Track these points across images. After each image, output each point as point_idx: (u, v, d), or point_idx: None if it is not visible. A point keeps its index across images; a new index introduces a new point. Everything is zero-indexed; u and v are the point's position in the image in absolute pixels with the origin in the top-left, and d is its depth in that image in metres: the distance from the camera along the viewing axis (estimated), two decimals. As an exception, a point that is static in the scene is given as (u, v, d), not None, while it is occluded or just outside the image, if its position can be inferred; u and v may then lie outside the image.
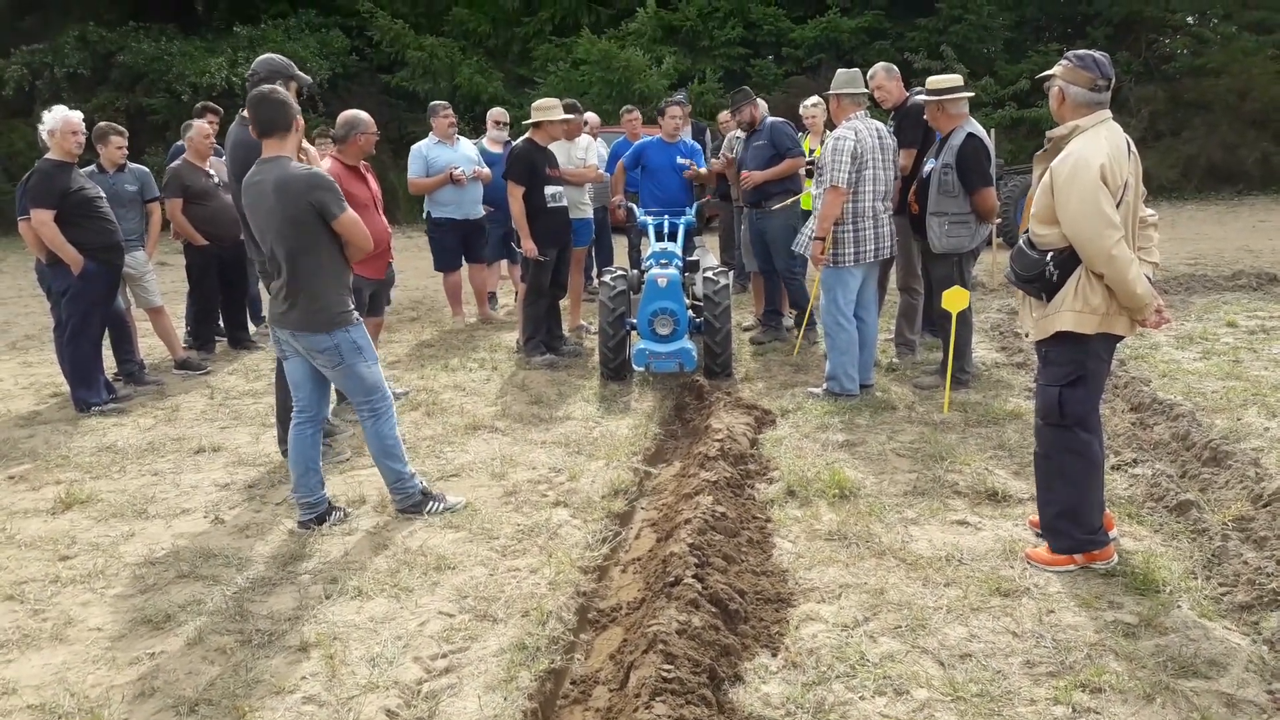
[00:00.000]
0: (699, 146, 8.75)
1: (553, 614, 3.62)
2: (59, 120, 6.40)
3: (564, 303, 9.20)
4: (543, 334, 7.74)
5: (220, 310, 8.47)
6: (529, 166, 7.31)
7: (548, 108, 7.40)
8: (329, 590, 3.90)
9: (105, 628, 3.68)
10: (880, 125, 6.39)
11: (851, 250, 6.23)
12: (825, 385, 6.42)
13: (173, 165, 7.98)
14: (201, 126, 8.01)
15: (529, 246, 7.31)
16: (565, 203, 7.57)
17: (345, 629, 3.58)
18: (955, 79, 6.32)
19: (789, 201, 7.75)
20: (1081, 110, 3.68)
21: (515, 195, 7.30)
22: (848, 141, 6.06)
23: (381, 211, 6.10)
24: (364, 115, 6.05)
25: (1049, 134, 3.78)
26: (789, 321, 8.39)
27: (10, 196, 14.43)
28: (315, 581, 3.99)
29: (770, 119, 8.00)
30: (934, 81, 6.29)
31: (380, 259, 6.13)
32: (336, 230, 4.36)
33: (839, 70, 6.46)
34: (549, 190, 7.38)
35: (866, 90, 6.36)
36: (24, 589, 3.99)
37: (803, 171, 7.91)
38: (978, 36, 20.51)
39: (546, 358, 7.64)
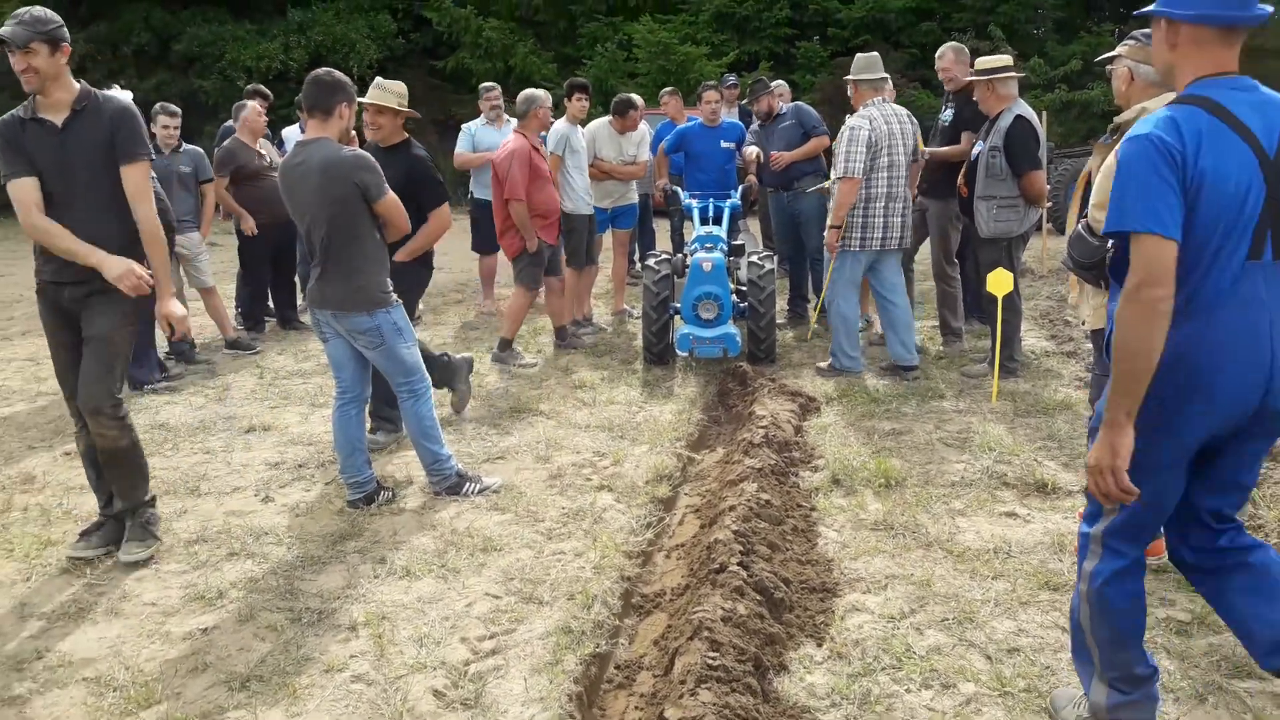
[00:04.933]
0: (743, 127, 8.71)
1: (598, 598, 3.64)
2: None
3: (607, 286, 9.22)
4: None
5: (270, 291, 8.57)
6: None
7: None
8: (377, 570, 3.95)
9: (159, 603, 3.75)
10: (901, 110, 6.50)
11: (859, 235, 6.37)
12: (829, 361, 6.65)
13: (225, 143, 8.06)
14: (255, 106, 8.09)
15: None
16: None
17: (394, 609, 3.62)
18: (1005, 59, 6.23)
19: (825, 185, 7.73)
20: (1150, 91, 3.60)
21: None
22: (862, 131, 6.18)
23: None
24: (541, 91, 7.10)
25: (1116, 120, 3.70)
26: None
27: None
28: (364, 561, 4.04)
29: (794, 102, 8.32)
30: (983, 62, 6.21)
31: (556, 225, 7.20)
32: (378, 212, 4.41)
33: (858, 55, 6.56)
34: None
35: (884, 76, 6.53)
36: (80, 563, 4.08)
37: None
38: (1026, 16, 20.17)
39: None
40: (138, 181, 3.95)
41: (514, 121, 9.00)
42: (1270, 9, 2.53)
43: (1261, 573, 2.65)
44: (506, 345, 7.26)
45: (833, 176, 6.57)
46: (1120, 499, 2.47)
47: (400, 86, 5.35)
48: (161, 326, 4.05)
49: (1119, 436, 2.44)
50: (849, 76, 6.51)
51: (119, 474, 4.10)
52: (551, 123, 7.36)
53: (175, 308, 4.02)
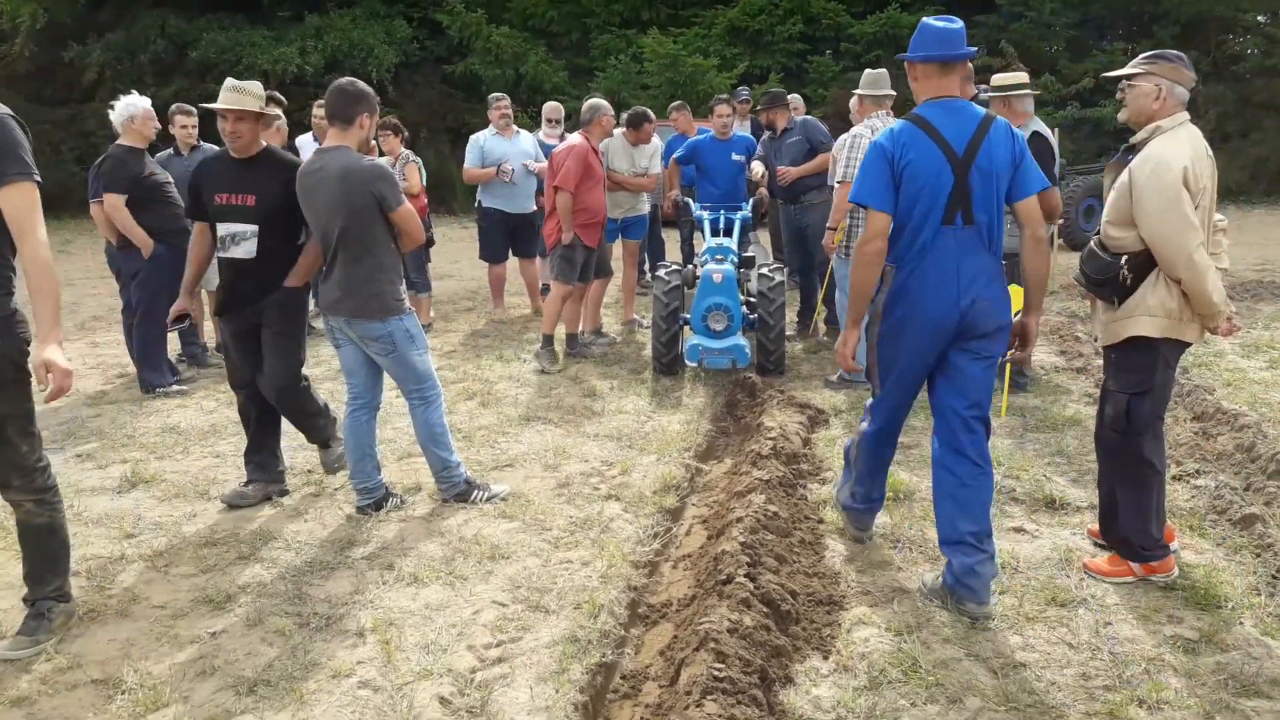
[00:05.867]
0: (754, 141, 8.74)
1: (604, 607, 3.65)
2: (139, 107, 6.54)
3: (617, 296, 9.24)
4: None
5: None
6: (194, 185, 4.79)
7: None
8: (385, 576, 3.96)
9: (168, 605, 3.77)
10: None
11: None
12: (838, 374, 6.75)
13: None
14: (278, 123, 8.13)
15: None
16: (243, 253, 4.59)
17: (401, 615, 3.64)
18: (1021, 76, 6.25)
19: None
20: (1173, 109, 3.61)
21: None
22: (864, 139, 6.40)
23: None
24: (604, 102, 7.40)
25: (1132, 139, 3.70)
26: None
27: (81, 180, 14.76)
28: (372, 567, 4.06)
29: (802, 117, 8.40)
30: (999, 79, 6.23)
31: (599, 229, 7.49)
32: (393, 221, 4.42)
33: (866, 71, 6.82)
34: (221, 230, 4.65)
35: (890, 92, 6.70)
36: (90, 565, 4.10)
37: None
38: (1039, 34, 20.12)
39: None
40: (15, 208, 3.18)
41: (523, 133, 9.08)
42: (975, 49, 3.72)
43: (970, 485, 3.65)
44: (548, 342, 7.43)
45: (831, 182, 6.71)
46: (849, 368, 4.25)
47: (258, 87, 4.62)
48: (38, 375, 3.27)
49: (850, 333, 3.83)
50: (857, 91, 6.71)
51: (28, 552, 3.55)
52: (614, 130, 7.72)
53: (56, 358, 3.21)
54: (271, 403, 4.76)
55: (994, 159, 3.55)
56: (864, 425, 4.01)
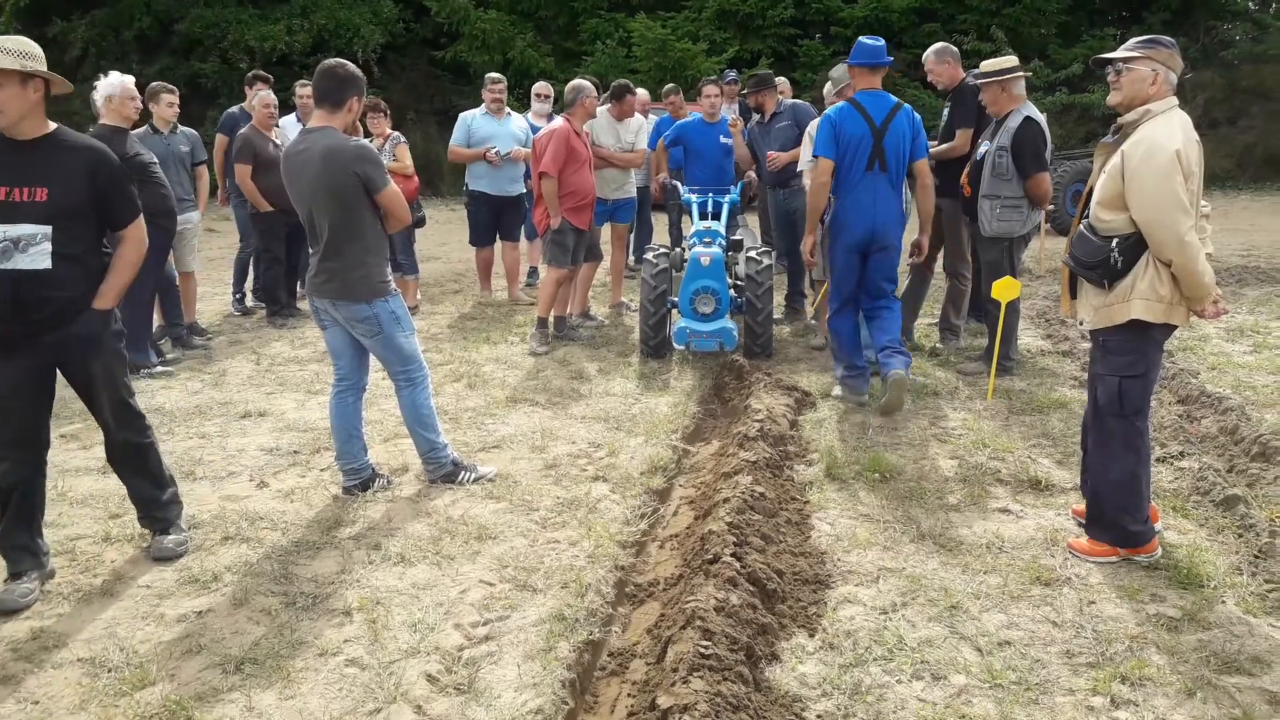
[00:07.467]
0: (742, 123, 8.73)
1: (591, 586, 3.65)
2: (117, 86, 6.45)
3: (605, 279, 9.23)
4: None
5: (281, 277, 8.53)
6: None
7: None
8: (372, 556, 3.96)
9: (154, 585, 3.76)
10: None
11: None
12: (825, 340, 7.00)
13: (242, 131, 8.01)
14: (264, 97, 8.07)
15: None
16: (32, 264, 3.52)
17: (388, 594, 3.64)
18: (1012, 60, 6.22)
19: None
20: (1165, 94, 3.62)
21: None
22: None
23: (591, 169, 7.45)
24: (587, 83, 7.34)
25: (1120, 120, 3.70)
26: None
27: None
28: (358, 547, 4.05)
29: (790, 100, 8.32)
30: (989, 64, 6.19)
31: (589, 210, 7.45)
32: (379, 202, 4.39)
33: (836, 66, 6.79)
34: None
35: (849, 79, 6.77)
36: (75, 545, 4.08)
37: None
38: (1030, 20, 20.12)
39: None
40: None
41: (514, 115, 9.02)
42: (892, 59, 5.73)
43: (887, 319, 5.81)
44: (542, 324, 7.46)
45: (802, 166, 6.79)
46: (809, 263, 6.29)
47: (24, 44, 3.52)
48: None
49: (808, 239, 5.99)
50: (834, 76, 6.79)
51: None
52: (594, 114, 7.61)
53: None
54: (118, 441, 3.96)
55: (900, 131, 5.64)
56: (832, 318, 5.90)
